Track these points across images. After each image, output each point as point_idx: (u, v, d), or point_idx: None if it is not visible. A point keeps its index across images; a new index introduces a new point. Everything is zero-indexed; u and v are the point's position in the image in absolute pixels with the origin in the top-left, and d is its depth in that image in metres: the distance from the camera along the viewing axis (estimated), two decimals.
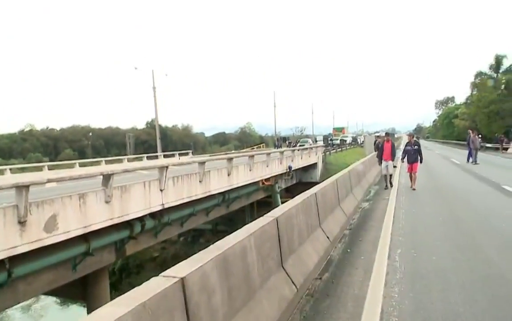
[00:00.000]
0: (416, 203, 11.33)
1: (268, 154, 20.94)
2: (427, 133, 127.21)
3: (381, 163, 14.95)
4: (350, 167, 13.96)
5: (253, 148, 60.68)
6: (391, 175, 14.97)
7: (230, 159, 15.91)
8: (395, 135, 67.56)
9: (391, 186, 14.83)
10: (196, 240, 25.57)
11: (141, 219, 10.68)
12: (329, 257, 6.83)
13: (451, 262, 5.92)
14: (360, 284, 5.40)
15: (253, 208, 25.04)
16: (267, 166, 20.14)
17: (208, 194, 13.95)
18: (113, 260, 10.42)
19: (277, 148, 45.10)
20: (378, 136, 32.36)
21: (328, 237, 7.29)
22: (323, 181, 27.08)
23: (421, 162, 14.23)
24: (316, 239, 6.78)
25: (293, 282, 5.03)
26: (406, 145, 14.71)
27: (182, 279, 2.90)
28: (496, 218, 8.69)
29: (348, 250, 7.11)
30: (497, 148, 37.38)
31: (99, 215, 8.29)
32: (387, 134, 15.54)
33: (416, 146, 14.24)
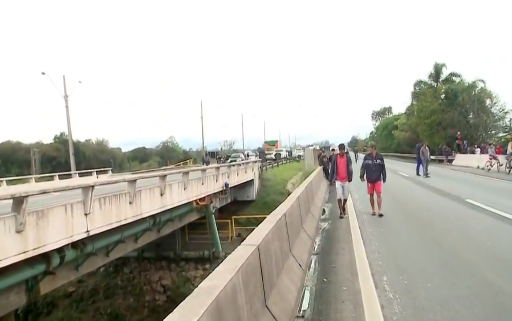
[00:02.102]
0: (380, 221, 11.23)
1: (204, 171, 20.45)
2: (364, 146, 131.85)
3: (331, 180, 13.04)
4: (305, 183, 13.59)
5: (178, 165, 59.26)
6: (345, 200, 12.75)
7: (163, 176, 15.05)
8: (330, 149, 71.18)
9: (344, 213, 12.65)
10: (119, 270, 23.99)
11: (60, 250, 9.39)
12: (304, 288, 6.24)
13: (451, 289, 5.60)
14: None
15: (184, 231, 24.72)
16: (202, 184, 19.70)
17: (139, 217, 13.09)
18: (23, 302, 8.99)
19: (206, 164, 44.31)
20: (322, 149, 33.23)
21: (300, 265, 6.76)
22: (262, 199, 28.84)
23: (384, 180, 12.18)
24: (290, 267, 6.23)
25: None
26: (365, 159, 12.47)
27: None
28: (476, 233, 8.73)
29: (325, 280, 6.58)
30: (441, 160, 38.30)
31: (7, 248, 6.95)
32: (341, 147, 12.81)
33: (378, 160, 12.21)
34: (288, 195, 16.95)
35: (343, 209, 12.60)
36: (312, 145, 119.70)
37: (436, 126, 45.85)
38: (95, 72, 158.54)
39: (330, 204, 15.74)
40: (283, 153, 67.51)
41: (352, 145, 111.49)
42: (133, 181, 12.66)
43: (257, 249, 4.45)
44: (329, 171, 14.69)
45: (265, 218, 6.53)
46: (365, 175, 12.36)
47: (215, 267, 3.60)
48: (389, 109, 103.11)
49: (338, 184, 12.40)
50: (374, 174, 12.15)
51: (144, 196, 13.37)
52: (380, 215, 11.76)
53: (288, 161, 60.21)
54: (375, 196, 12.24)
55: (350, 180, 12.44)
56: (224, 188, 23.40)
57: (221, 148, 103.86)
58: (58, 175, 25.68)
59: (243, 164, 30.32)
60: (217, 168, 23.09)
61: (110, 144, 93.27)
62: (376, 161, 12.21)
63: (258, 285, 4.29)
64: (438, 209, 12.41)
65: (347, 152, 12.92)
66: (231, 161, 44.01)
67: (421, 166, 25.31)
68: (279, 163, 50.95)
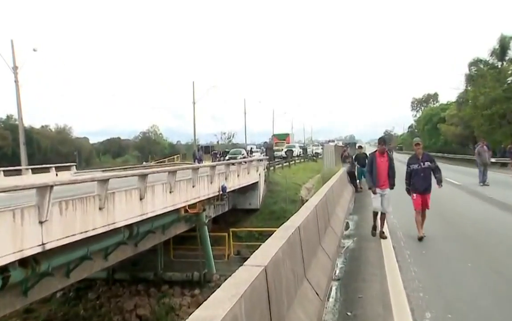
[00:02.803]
0: (423, 240, 11.21)
1: (195, 170, 20.57)
2: (400, 144, 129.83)
3: (372, 186, 11.85)
4: (324, 189, 13.44)
5: (162, 162, 59.37)
6: (384, 215, 12.07)
7: (143, 176, 15.13)
8: (357, 145, 70.35)
9: (381, 232, 12.04)
10: (82, 295, 24.02)
11: (3, 269, 9.40)
12: None
13: None
14: None
15: (169, 246, 24.92)
16: (193, 187, 19.90)
17: (111, 226, 13.15)
18: None
19: (198, 161, 44.44)
20: (345, 146, 32.94)
21: (317, 293, 6.78)
22: (268, 208, 29.73)
23: (440, 183, 11.55)
24: (305, 296, 6.27)
25: None
26: (410, 164, 11.68)
27: None
28: None
29: (349, 313, 6.60)
30: (504, 164, 36.90)
31: None
32: (382, 141, 12.00)
33: (427, 163, 11.51)
34: (303, 204, 17.08)
35: (380, 226, 12.11)
36: (333, 141, 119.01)
37: (499, 119, 43.76)
38: (57, 42, 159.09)
39: (356, 216, 15.68)
40: (296, 150, 67.90)
41: (385, 142, 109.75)
42: (105, 181, 12.69)
43: (263, 271, 4.46)
44: (356, 173, 14.34)
45: (272, 231, 6.56)
46: (412, 182, 11.59)
47: (207, 293, 3.60)
48: (434, 97, 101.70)
49: (377, 193, 11.74)
50: (423, 182, 11.41)
51: (119, 200, 13.40)
52: (420, 238, 11.28)
53: (302, 160, 60.42)
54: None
55: (392, 187, 11.81)
56: (221, 192, 23.45)
57: (218, 142, 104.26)
58: (3, 170, 24.99)
59: (245, 162, 30.35)
60: (212, 167, 23.12)
61: (74, 133, 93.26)
62: (424, 164, 11.47)
63: (265, 317, 4.29)
64: (497, 228, 12.30)
65: (389, 151, 12.33)
66: (229, 158, 44.24)
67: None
68: (290, 162, 51.26)
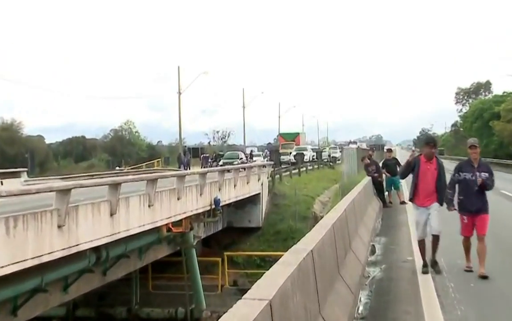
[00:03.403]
0: (470, 272, 10.97)
1: (181, 178, 20.55)
2: (440, 146, 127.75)
3: (408, 198, 12.16)
4: (343, 203, 13.27)
5: (139, 168, 58.67)
6: (436, 238, 11.17)
7: (115, 185, 15.08)
8: (385, 149, 68.81)
9: (435, 265, 11.24)
10: None
11: None
12: None
13: None
14: None
15: (147, 275, 24.62)
16: (178, 199, 19.90)
17: (73, 249, 12.98)
18: None
19: (184, 167, 44.30)
20: (371, 149, 32.73)
21: None
22: (273, 226, 30.75)
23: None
24: None
25: None
26: (460, 170, 11.21)
27: None
28: None
29: None
30: None
31: None
32: (430, 142, 11.50)
33: (484, 173, 10.91)
34: (316, 221, 17.20)
35: (432, 253, 11.29)
36: (355, 143, 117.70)
37: None
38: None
39: (384, 238, 15.65)
40: (308, 154, 68.36)
41: (421, 144, 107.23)
42: (66, 192, 12.49)
43: (268, 307, 4.39)
44: (385, 184, 13.77)
45: (278, 256, 6.54)
46: (455, 198, 11.16)
47: None
48: (486, 87, 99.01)
49: (418, 211, 11.30)
50: (477, 199, 10.86)
51: (83, 216, 13.26)
52: (483, 277, 10.39)
53: (316, 166, 60.77)
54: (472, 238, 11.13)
55: (442, 202, 11.11)
56: (213, 206, 23.41)
57: (209, 143, 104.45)
58: None
59: (243, 169, 30.45)
60: (203, 175, 22.97)
61: (25, 130, 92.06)
62: (479, 174, 10.85)
63: None
64: None
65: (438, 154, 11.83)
66: (224, 164, 44.50)
67: None
68: (301, 169, 51.36)
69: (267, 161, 48.62)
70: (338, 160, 69.46)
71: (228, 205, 26.58)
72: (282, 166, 51.23)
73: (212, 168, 32.46)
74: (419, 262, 11.47)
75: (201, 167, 50.37)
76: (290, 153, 63.97)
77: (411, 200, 11.52)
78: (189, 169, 41.52)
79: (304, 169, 53.44)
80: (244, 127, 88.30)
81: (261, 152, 68.76)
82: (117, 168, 65.84)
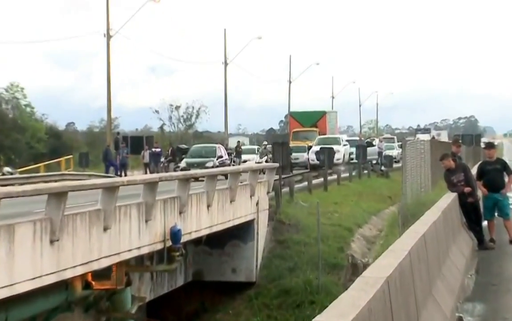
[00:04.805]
0: None
1: (110, 191, 15.67)
2: None
3: None
4: (406, 240, 9.91)
5: (30, 172, 43.83)
6: None
7: None
8: (482, 142, 50.50)
9: None
10: None
11: None
12: None
13: None
14: None
15: None
16: (105, 230, 15.39)
17: None
18: None
19: (116, 171, 38.33)
20: (454, 143, 24.99)
21: None
22: (276, 280, 23.61)
23: None
24: None
25: None
26: None
27: None
28: None
29: None
30: None
31: None
32: None
33: None
34: (354, 272, 18.97)
35: None
36: (427, 130, 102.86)
37: None
38: None
39: (480, 307, 12.10)
40: (342, 150, 51.08)
41: None
42: None
43: None
44: (483, 207, 14.73)
45: None
46: None
47: None
48: None
49: None
50: None
51: None
52: None
53: (357, 173, 46.25)
54: None
55: None
56: (169, 243, 18.18)
57: (162, 129, 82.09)
58: None
59: (224, 176, 24.55)
60: (150, 185, 17.47)
61: None
62: None
63: None
64: None
65: None
66: (189, 166, 35.02)
67: None
68: (328, 177, 38.97)
69: (266, 161, 38.88)
70: (396, 161, 54.19)
71: (197, 241, 21.37)
72: (295, 171, 40.63)
73: (167, 173, 26.89)
74: None
75: (147, 171, 40.86)
76: (310, 148, 48.97)
77: None
78: (125, 173, 34.15)
79: (335, 176, 41.54)
80: (225, 98, 65.28)
81: (256, 147, 57.55)
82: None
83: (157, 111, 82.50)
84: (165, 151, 44.95)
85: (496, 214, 18.12)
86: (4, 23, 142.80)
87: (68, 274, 13.96)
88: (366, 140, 64.59)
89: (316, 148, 46.90)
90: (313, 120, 60.89)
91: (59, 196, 13.52)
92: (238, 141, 53.18)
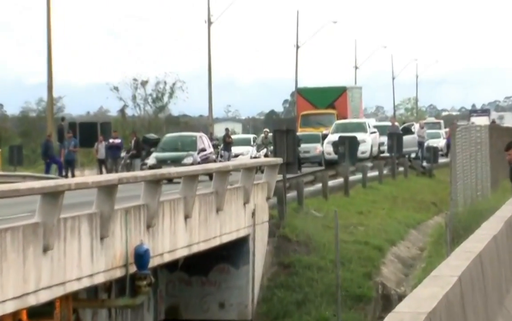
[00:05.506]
0: None
1: (51, 197, 13.73)
2: None
3: None
4: (459, 261, 8.30)
5: None
6: None
7: None
8: None
9: None
10: None
11: None
12: None
13: None
14: None
15: None
16: (44, 251, 13.69)
17: None
18: None
19: (60, 169, 34.74)
20: None
21: None
22: (276, 318, 23.31)
23: None
24: None
25: None
26: None
27: None
28: None
29: None
30: None
31: None
32: None
33: None
34: (386, 307, 17.53)
35: None
36: (485, 111, 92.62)
37: None
38: None
39: None
40: (369, 140, 43.32)
41: None
42: None
43: None
44: None
45: None
46: None
47: None
48: None
49: None
50: None
51: None
52: None
53: (390, 171, 41.78)
54: None
55: None
56: (134, 269, 16.33)
57: (124, 112, 73.02)
58: None
59: (208, 175, 23.49)
60: (107, 189, 15.32)
61: None
62: None
63: None
64: None
65: None
66: (160, 162, 32.05)
67: None
68: (350, 177, 34.53)
69: (266, 155, 34.93)
70: (443, 154, 46.91)
71: (171, 265, 19.63)
72: (304, 170, 36.14)
73: (129, 173, 23.51)
74: None
75: (102, 170, 36.14)
76: (325, 137, 42.59)
77: None
78: (73, 173, 30.16)
79: (360, 176, 36.50)
80: (209, 70, 58.18)
81: (251, 136, 50.69)
82: None
83: (116, 89, 71.57)
84: (127, 143, 39.59)
85: None
86: None
87: None
88: (401, 127, 52.37)
89: (334, 137, 40.76)
90: (330, 99, 53.75)
91: None
92: (227, 129, 45.90)
